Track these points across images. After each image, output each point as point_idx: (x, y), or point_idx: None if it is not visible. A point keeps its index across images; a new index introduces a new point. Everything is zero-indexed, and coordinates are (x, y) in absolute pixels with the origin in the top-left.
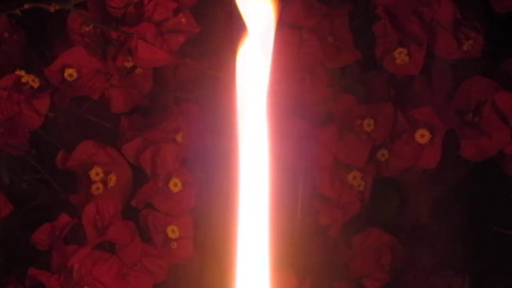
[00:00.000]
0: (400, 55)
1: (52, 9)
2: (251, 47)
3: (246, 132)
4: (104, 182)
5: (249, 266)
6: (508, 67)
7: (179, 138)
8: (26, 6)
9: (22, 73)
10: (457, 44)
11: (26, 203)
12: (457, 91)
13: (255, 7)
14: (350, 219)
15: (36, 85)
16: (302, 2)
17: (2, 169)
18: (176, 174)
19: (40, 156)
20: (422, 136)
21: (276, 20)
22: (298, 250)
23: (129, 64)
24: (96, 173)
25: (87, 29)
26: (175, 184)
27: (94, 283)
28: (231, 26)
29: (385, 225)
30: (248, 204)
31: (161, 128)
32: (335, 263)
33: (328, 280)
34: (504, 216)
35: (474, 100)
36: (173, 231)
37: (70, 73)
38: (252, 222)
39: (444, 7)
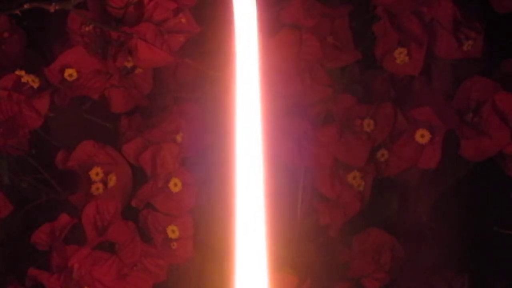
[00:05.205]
0: (400, 55)
1: (52, 9)
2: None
3: (245, 132)
4: (104, 182)
5: (249, 266)
6: (508, 67)
7: (179, 138)
8: (26, 6)
9: (22, 73)
10: (457, 44)
11: (26, 203)
12: (457, 91)
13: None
14: (350, 219)
15: (36, 85)
16: (302, 2)
17: (2, 169)
18: (176, 174)
19: (40, 156)
20: (422, 136)
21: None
22: (298, 250)
23: (129, 64)
24: (96, 173)
25: (87, 29)
26: (175, 184)
27: (94, 283)
28: (231, 26)
29: (385, 225)
30: (247, 204)
31: (161, 128)
32: (335, 263)
33: (328, 280)
34: (504, 216)
35: (474, 100)
36: (173, 231)
37: (70, 73)
38: (251, 222)
39: (444, 7)
